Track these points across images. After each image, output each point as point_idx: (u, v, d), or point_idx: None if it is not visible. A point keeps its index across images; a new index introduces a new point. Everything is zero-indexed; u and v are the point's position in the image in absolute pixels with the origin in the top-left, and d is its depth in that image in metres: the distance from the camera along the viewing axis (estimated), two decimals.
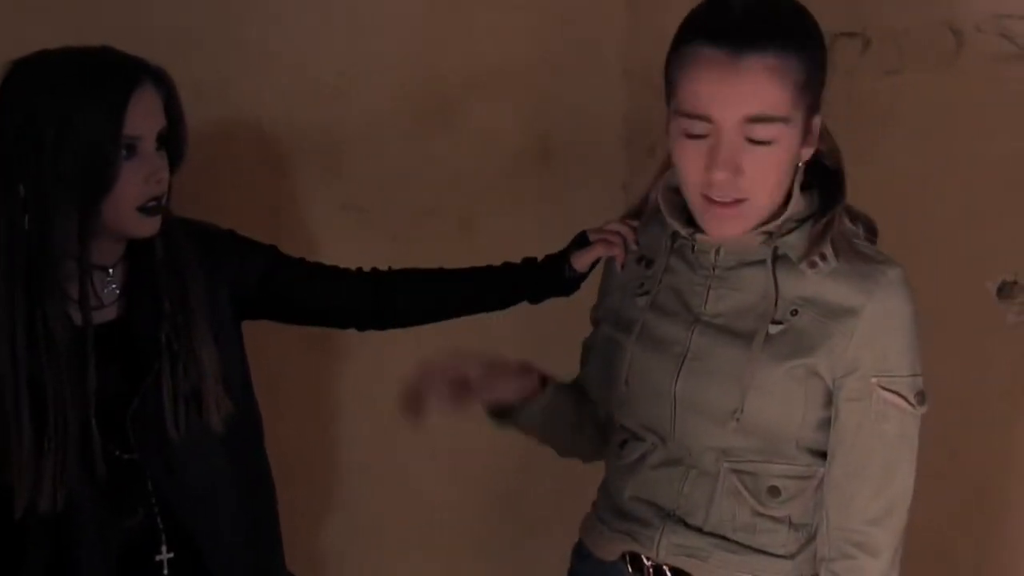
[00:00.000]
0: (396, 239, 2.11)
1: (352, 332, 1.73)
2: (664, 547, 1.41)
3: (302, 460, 2.09)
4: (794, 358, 1.33)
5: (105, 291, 1.50)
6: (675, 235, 1.42)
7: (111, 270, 1.50)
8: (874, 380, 1.32)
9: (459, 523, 2.30)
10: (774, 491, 1.37)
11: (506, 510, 2.25)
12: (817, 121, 1.32)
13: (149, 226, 1.46)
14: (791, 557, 1.39)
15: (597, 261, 1.58)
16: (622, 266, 1.51)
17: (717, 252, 1.38)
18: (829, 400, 1.36)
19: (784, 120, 1.26)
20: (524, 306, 1.69)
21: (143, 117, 1.42)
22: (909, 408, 1.33)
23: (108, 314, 1.50)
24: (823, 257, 1.34)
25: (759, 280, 1.36)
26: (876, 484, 1.33)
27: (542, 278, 1.64)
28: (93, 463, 1.45)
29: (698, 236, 1.37)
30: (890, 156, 1.99)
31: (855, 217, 1.41)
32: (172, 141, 1.48)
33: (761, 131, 1.25)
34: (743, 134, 1.26)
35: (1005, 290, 1.99)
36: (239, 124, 1.96)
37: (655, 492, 1.43)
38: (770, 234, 1.35)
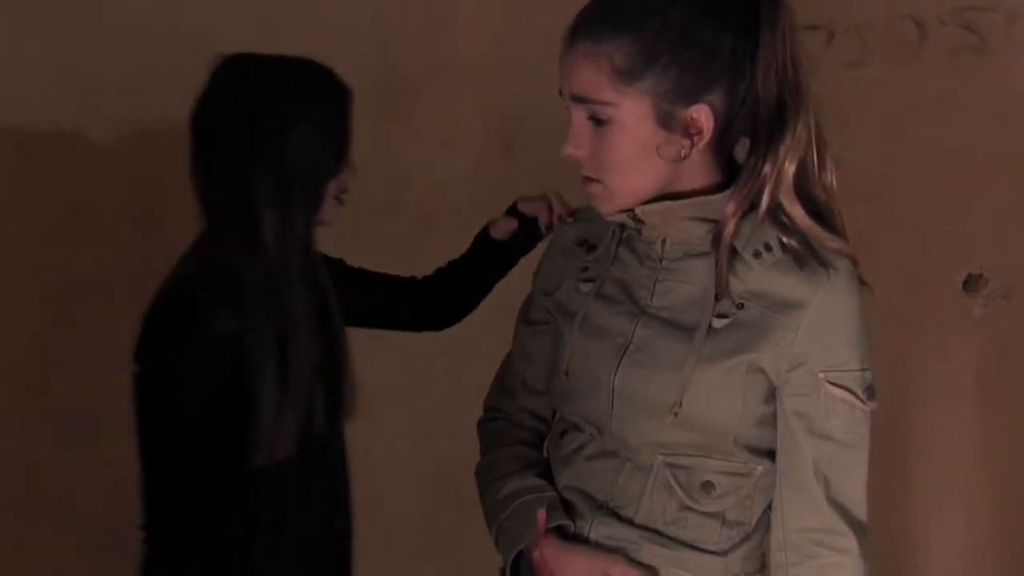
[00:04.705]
0: (353, 236, 2.07)
1: None
2: (594, 539, 1.38)
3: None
4: (737, 354, 1.30)
5: None
6: (624, 225, 1.39)
7: None
8: (822, 375, 1.29)
9: (420, 523, 2.28)
10: (708, 486, 1.34)
11: (467, 509, 2.23)
12: (697, 113, 1.27)
13: (338, 213, 1.59)
14: (723, 554, 1.36)
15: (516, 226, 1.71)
16: (547, 227, 1.58)
17: (663, 243, 1.36)
18: (770, 396, 1.33)
19: (606, 104, 1.27)
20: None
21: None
22: (858, 403, 1.30)
23: None
24: (767, 247, 1.31)
25: (706, 272, 1.33)
26: (831, 482, 1.31)
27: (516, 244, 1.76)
28: (314, 423, 1.52)
29: (643, 227, 1.35)
30: (854, 149, 1.97)
31: (808, 204, 1.33)
32: None
33: (590, 110, 1.28)
34: (584, 113, 1.29)
35: (971, 283, 1.99)
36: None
37: (588, 483, 1.40)
38: (714, 222, 1.32)
